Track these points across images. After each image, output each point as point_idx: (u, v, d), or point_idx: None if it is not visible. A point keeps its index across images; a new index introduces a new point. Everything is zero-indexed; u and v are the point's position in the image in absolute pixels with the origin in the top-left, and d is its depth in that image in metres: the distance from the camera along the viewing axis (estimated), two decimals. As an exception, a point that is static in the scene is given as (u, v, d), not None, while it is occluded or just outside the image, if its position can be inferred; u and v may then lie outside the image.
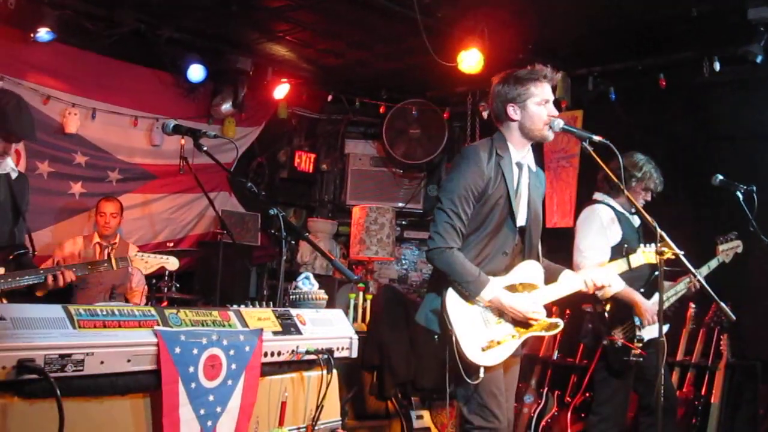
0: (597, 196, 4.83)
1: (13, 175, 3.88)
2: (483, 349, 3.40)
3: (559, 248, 4.81)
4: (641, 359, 4.49)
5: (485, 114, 7.57)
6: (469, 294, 3.42)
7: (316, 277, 3.86)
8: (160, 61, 7.39)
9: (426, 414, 5.99)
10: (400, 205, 8.91)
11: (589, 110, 7.29)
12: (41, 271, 3.74)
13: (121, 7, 6.62)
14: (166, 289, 6.40)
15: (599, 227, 4.66)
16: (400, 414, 5.94)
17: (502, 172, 3.54)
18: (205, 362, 2.59)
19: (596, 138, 3.49)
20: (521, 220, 3.61)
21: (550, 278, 3.68)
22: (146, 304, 5.86)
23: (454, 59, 6.57)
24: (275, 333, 2.98)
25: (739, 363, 5.79)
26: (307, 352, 3.07)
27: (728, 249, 4.79)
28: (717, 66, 6.19)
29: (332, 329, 3.32)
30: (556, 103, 3.68)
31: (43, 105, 6.61)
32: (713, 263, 4.75)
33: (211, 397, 2.60)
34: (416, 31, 6.12)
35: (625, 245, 4.32)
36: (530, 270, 3.62)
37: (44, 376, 2.11)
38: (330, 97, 8.56)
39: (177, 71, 7.47)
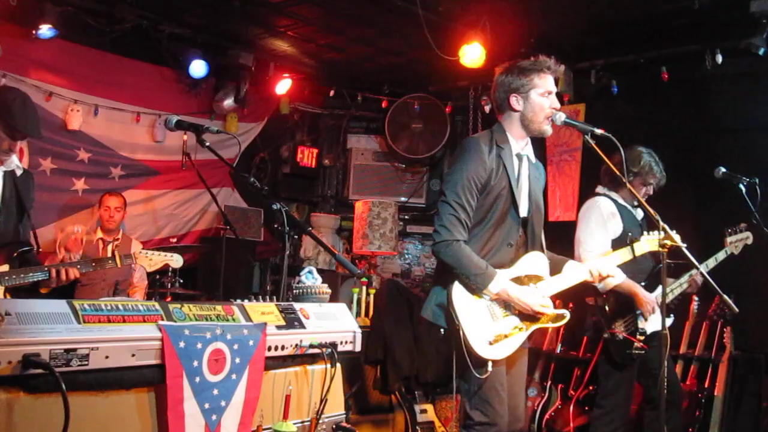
0: (599, 189, 4.85)
1: (18, 172, 3.88)
2: (490, 343, 3.40)
3: (562, 242, 4.82)
4: (643, 352, 4.50)
5: (487, 108, 7.58)
6: (476, 287, 3.41)
7: (319, 271, 3.86)
8: (162, 57, 7.41)
9: (430, 408, 5.99)
10: (403, 199, 8.92)
11: (591, 104, 7.28)
12: (45, 268, 3.75)
13: (123, 3, 6.63)
14: (169, 284, 6.42)
15: (600, 220, 4.67)
16: (403, 408, 5.94)
17: (503, 163, 3.54)
18: (210, 356, 2.59)
19: (598, 131, 3.49)
20: (523, 211, 3.61)
21: (554, 269, 3.68)
22: (149, 300, 5.88)
23: (456, 53, 6.58)
24: (279, 327, 2.99)
25: (743, 355, 5.78)
26: (311, 346, 3.07)
27: (737, 241, 4.78)
28: (719, 59, 6.18)
29: (336, 323, 3.32)
30: (559, 97, 3.68)
31: (45, 102, 6.62)
32: (721, 255, 4.74)
33: (215, 391, 2.60)
34: (418, 26, 6.13)
35: (629, 234, 4.32)
36: (535, 261, 3.62)
37: (50, 371, 2.12)
38: (332, 92, 8.56)
39: (179, 67, 7.49)
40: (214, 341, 2.62)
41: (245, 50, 7.55)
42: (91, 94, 7.02)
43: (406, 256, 9.09)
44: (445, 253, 3.42)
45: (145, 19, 6.87)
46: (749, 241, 4.82)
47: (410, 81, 8.46)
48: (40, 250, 3.97)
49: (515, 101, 3.57)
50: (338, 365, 3.17)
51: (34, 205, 4.07)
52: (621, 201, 4.76)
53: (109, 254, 6.08)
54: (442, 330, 3.49)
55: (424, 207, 8.98)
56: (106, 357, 2.32)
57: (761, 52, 5.74)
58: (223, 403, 2.63)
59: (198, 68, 7.37)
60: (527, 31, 6.51)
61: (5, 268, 3.65)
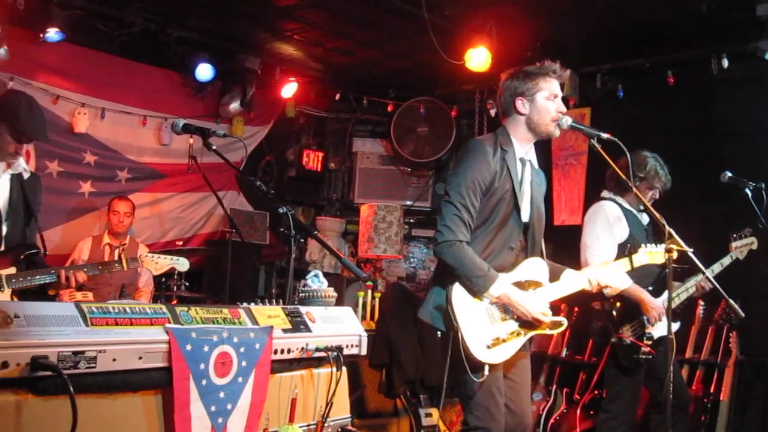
0: (605, 193, 4.85)
1: (26, 176, 3.90)
2: (488, 347, 3.39)
3: (567, 246, 4.83)
4: (650, 357, 4.50)
5: (493, 112, 7.58)
6: (476, 289, 3.40)
7: (325, 275, 3.87)
8: (169, 61, 7.43)
9: (435, 412, 5.99)
10: (408, 203, 8.92)
11: (597, 108, 7.29)
12: (53, 271, 3.76)
13: (131, 7, 6.66)
14: (175, 287, 6.43)
15: (606, 224, 4.67)
16: (408, 412, 5.94)
17: (507, 166, 3.54)
18: (216, 359, 2.60)
19: (604, 135, 3.49)
20: (525, 216, 3.60)
21: (552, 277, 3.67)
22: (155, 303, 5.89)
23: (462, 57, 6.59)
24: (285, 330, 3.00)
25: (749, 360, 5.77)
26: (317, 350, 3.08)
27: (742, 246, 4.77)
28: (725, 63, 6.18)
29: (341, 327, 3.33)
30: (564, 101, 3.69)
31: (52, 105, 6.65)
32: (726, 260, 4.73)
33: (221, 394, 2.61)
34: (424, 30, 6.14)
35: (628, 245, 4.32)
36: (535, 267, 3.62)
37: (58, 373, 2.13)
38: (338, 96, 8.58)
39: (186, 70, 7.52)
40: (220, 344, 2.63)
41: (252, 54, 7.57)
42: (98, 97, 7.05)
43: (412, 260, 9.09)
44: (448, 253, 3.41)
45: (152, 23, 6.90)
46: (754, 246, 4.80)
47: (416, 85, 8.47)
48: (47, 252, 3.97)
49: (521, 105, 3.57)
50: (344, 368, 3.17)
51: (41, 208, 4.08)
52: (627, 205, 4.76)
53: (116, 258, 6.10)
54: (439, 332, 3.49)
55: (429, 210, 8.98)
56: (114, 359, 2.33)
57: (767, 56, 5.74)
58: (229, 406, 2.64)
59: (205, 72, 7.40)
60: (533, 36, 6.52)
61: (12, 270, 3.66)
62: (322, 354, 3.10)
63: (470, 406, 3.48)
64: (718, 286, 3.68)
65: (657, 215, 3.52)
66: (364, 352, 3.38)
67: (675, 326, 4.53)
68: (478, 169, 3.45)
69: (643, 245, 3.95)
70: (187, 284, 6.63)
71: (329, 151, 9.36)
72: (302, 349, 3.03)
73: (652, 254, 3.91)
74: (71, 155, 6.91)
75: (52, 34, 6.36)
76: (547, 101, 3.54)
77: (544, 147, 3.75)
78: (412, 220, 8.97)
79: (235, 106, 7.88)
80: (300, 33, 7.15)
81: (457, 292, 3.41)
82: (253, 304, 3.04)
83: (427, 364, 5.96)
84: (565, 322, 3.55)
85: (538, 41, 6.53)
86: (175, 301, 6.33)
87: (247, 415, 2.71)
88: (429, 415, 5.93)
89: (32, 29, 6.38)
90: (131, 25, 6.83)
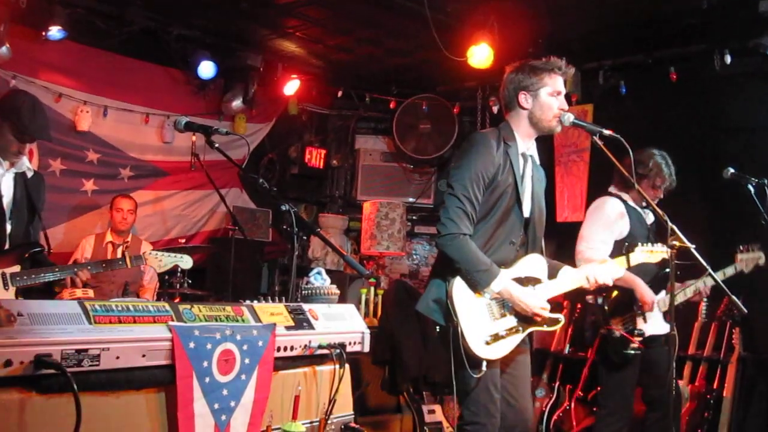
0: (611, 189, 4.85)
1: (29, 174, 3.92)
2: (487, 343, 3.40)
3: (569, 243, 4.83)
4: (639, 352, 4.50)
5: (495, 108, 7.58)
6: (477, 284, 3.39)
7: (327, 272, 3.87)
8: (170, 59, 7.44)
9: (438, 408, 5.99)
10: (411, 200, 8.92)
11: (599, 104, 7.28)
12: (57, 269, 3.77)
13: (132, 5, 6.67)
14: (178, 285, 6.43)
15: (605, 219, 4.70)
16: (411, 408, 5.95)
17: (510, 160, 3.53)
18: (219, 357, 2.60)
19: (607, 132, 3.49)
20: (526, 211, 3.60)
21: (550, 274, 3.67)
22: (158, 300, 5.90)
23: (464, 54, 6.58)
24: (288, 328, 3.00)
25: (752, 356, 5.77)
26: (320, 347, 3.08)
27: (748, 259, 4.72)
28: (728, 59, 6.17)
29: (344, 324, 3.33)
30: (567, 98, 3.69)
31: (55, 103, 6.66)
32: (729, 270, 4.70)
33: (225, 392, 2.62)
34: (426, 27, 6.13)
35: (626, 243, 4.32)
36: (535, 264, 3.62)
37: (61, 371, 2.13)
38: (340, 93, 8.58)
39: (188, 68, 7.53)
40: (223, 342, 2.63)
41: (253, 51, 7.58)
42: (100, 95, 7.06)
43: (414, 257, 9.10)
44: (451, 246, 3.39)
45: (153, 21, 6.91)
46: (761, 262, 4.74)
47: (418, 82, 8.47)
48: (51, 251, 3.98)
49: (524, 99, 3.57)
50: (347, 366, 3.18)
51: (44, 206, 4.10)
52: (631, 203, 4.77)
53: (119, 256, 6.11)
54: (437, 327, 3.49)
55: (432, 207, 8.97)
56: (117, 357, 2.33)
57: (770, 52, 5.74)
58: (232, 404, 2.64)
59: (206, 69, 7.41)
60: (535, 32, 6.51)
61: (17, 268, 3.67)
62: (325, 351, 3.09)
63: (467, 402, 3.48)
64: (721, 282, 3.68)
65: (659, 212, 3.51)
66: (366, 349, 3.38)
67: (667, 327, 4.56)
68: (482, 162, 3.44)
69: (640, 243, 3.95)
70: (190, 282, 6.63)
71: (331, 148, 9.35)
72: (305, 346, 3.03)
73: (649, 252, 3.91)
74: (74, 153, 6.92)
75: (54, 32, 6.37)
76: (551, 97, 3.54)
77: (546, 143, 3.75)
78: (414, 217, 8.97)
79: (237, 103, 7.89)
80: (301, 30, 7.15)
81: (458, 286, 3.41)
82: (255, 301, 3.04)
83: (429, 361, 5.96)
84: (562, 319, 3.57)
85: (540, 37, 6.52)
86: (178, 299, 6.34)
87: (251, 412, 2.71)
88: (432, 411, 5.94)
89: (34, 27, 6.40)
90: (132, 23, 6.84)
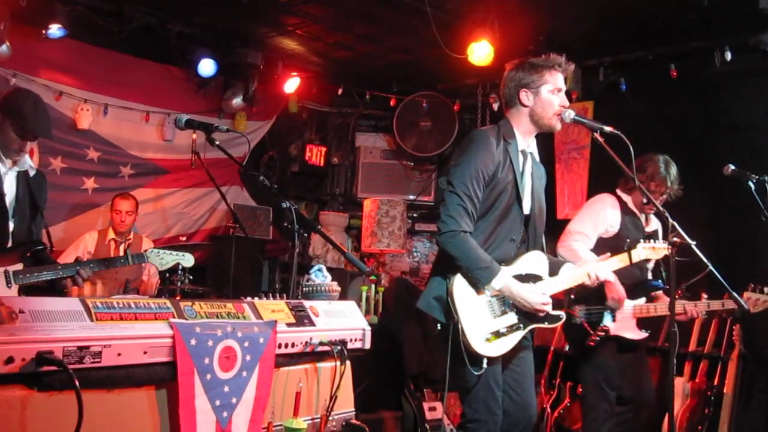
0: (617, 190, 4.86)
1: (31, 173, 3.93)
2: (488, 340, 3.40)
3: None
4: (593, 345, 4.52)
5: (496, 106, 7.58)
6: (478, 281, 3.40)
7: (328, 269, 3.88)
8: (170, 56, 7.44)
9: (438, 405, 6.00)
10: (412, 197, 8.91)
11: (599, 101, 7.27)
12: (59, 267, 3.78)
13: (131, 3, 6.66)
14: (179, 282, 6.43)
15: (593, 213, 4.76)
16: (412, 405, 5.96)
17: (510, 157, 3.54)
18: (221, 354, 2.61)
19: (607, 129, 3.49)
20: (526, 208, 3.61)
21: (551, 271, 3.68)
22: (159, 297, 5.90)
23: (465, 51, 6.58)
24: (289, 325, 3.01)
25: (752, 353, 5.77)
26: (321, 344, 3.09)
27: (754, 299, 4.59)
28: (729, 56, 6.17)
29: (345, 321, 3.33)
30: (567, 95, 3.69)
31: (55, 101, 6.65)
32: (729, 304, 4.67)
33: (226, 388, 2.62)
34: (426, 24, 6.14)
35: (627, 240, 4.33)
36: (536, 261, 3.63)
37: (63, 368, 2.14)
38: (340, 91, 8.57)
39: (188, 66, 7.53)
40: (224, 339, 2.63)
41: (254, 49, 7.57)
42: (100, 93, 7.06)
43: (415, 254, 9.10)
44: (451, 243, 3.40)
45: (153, 19, 6.91)
46: None
47: (418, 79, 8.46)
48: (54, 249, 3.99)
49: (525, 96, 3.57)
50: (348, 362, 3.18)
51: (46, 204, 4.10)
52: (630, 205, 4.78)
53: (121, 253, 6.12)
54: (438, 324, 3.49)
55: (432, 205, 8.97)
56: (119, 354, 2.34)
57: (770, 48, 5.74)
58: (234, 400, 2.65)
59: (207, 67, 7.41)
60: (535, 29, 6.50)
61: (19, 266, 3.68)
62: (326, 348, 3.10)
63: (468, 399, 3.49)
64: (721, 278, 3.67)
65: (659, 207, 3.52)
66: (368, 346, 3.38)
67: (644, 334, 4.59)
68: (481, 160, 3.44)
69: (642, 240, 3.96)
70: (191, 279, 6.63)
71: (332, 145, 9.35)
72: (306, 343, 3.03)
73: (651, 249, 3.92)
74: (74, 151, 6.92)
75: (54, 30, 6.37)
76: (551, 95, 3.55)
77: (546, 140, 3.75)
78: (415, 215, 8.96)
79: (237, 101, 7.89)
80: (301, 28, 7.14)
81: (459, 283, 3.42)
82: (257, 298, 3.05)
83: (430, 358, 5.98)
84: (564, 316, 3.58)
85: (541, 34, 6.52)
86: (178, 296, 6.34)
87: (252, 408, 2.71)
88: (433, 408, 5.95)
89: (34, 25, 6.39)
90: (132, 21, 6.83)
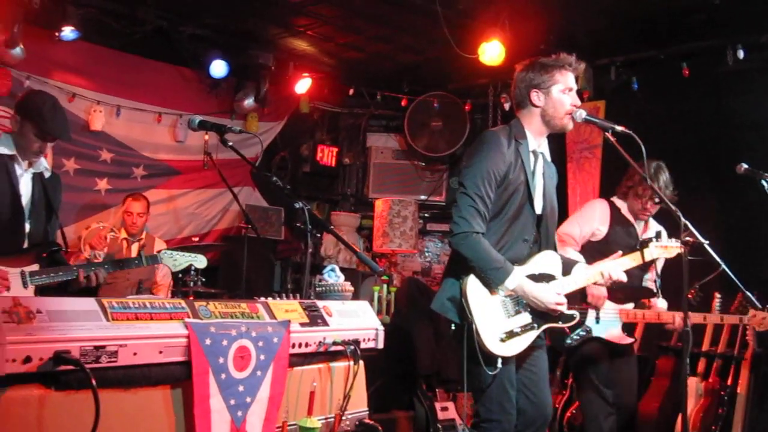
0: (615, 197, 4.88)
1: (47, 174, 3.96)
2: (502, 340, 3.41)
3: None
4: (570, 344, 4.54)
5: (507, 105, 7.59)
6: (491, 281, 3.41)
7: (340, 269, 3.89)
8: (182, 58, 7.47)
9: (451, 405, 6.01)
10: (423, 197, 8.92)
11: (611, 100, 7.26)
12: (74, 268, 3.80)
13: (144, 5, 6.70)
14: (191, 283, 6.46)
15: (581, 215, 4.82)
16: (424, 405, 5.96)
17: (521, 158, 3.54)
18: (235, 353, 2.63)
19: (619, 128, 3.48)
20: (538, 208, 3.61)
21: (564, 271, 3.68)
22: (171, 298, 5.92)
23: (476, 51, 6.58)
24: (302, 324, 3.02)
25: (766, 352, 5.75)
26: (334, 343, 3.10)
27: (760, 317, 4.50)
28: (741, 54, 6.15)
29: (358, 320, 3.35)
30: (578, 94, 3.69)
31: (68, 103, 6.68)
32: (730, 319, 4.70)
33: (240, 388, 2.64)
34: (437, 24, 6.15)
35: (615, 246, 4.33)
36: (549, 260, 3.63)
37: (80, 367, 2.16)
38: (351, 91, 8.58)
39: (199, 67, 7.55)
40: (239, 338, 2.65)
41: (265, 50, 7.60)
42: (113, 95, 7.09)
43: (426, 254, 9.10)
44: (464, 245, 3.40)
45: (165, 21, 6.94)
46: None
47: (429, 79, 8.47)
48: (69, 250, 4.02)
49: (536, 97, 3.57)
50: (361, 362, 3.19)
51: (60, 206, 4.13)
52: (624, 211, 4.79)
53: (134, 253, 6.15)
54: (453, 325, 3.50)
55: (443, 205, 8.98)
56: (134, 354, 2.36)
57: (783, 46, 5.72)
58: (248, 400, 2.66)
59: (218, 68, 7.43)
60: (547, 28, 6.50)
61: (35, 267, 3.71)
62: (340, 348, 3.12)
63: (482, 399, 3.50)
64: (735, 278, 3.66)
65: (672, 206, 3.50)
66: (380, 345, 3.40)
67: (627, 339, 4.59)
68: (493, 161, 3.45)
69: (654, 239, 3.95)
70: (204, 280, 6.65)
71: (343, 146, 9.37)
72: (320, 342, 3.05)
73: (663, 248, 3.91)
74: (87, 153, 6.96)
75: (67, 32, 6.41)
76: (562, 94, 3.54)
77: (558, 140, 3.76)
78: (426, 215, 8.97)
79: (249, 102, 7.92)
80: (312, 28, 7.17)
81: (472, 284, 3.42)
82: (270, 298, 3.06)
83: (442, 358, 5.98)
84: (578, 315, 3.58)
85: (552, 34, 6.52)
86: (191, 297, 6.37)
87: (266, 408, 2.73)
88: (445, 408, 5.95)
89: (47, 28, 6.43)
90: (144, 23, 6.86)
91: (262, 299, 3.01)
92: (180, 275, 6.38)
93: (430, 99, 8.63)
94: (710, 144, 6.34)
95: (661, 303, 4.77)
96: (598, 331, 4.57)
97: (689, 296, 4.29)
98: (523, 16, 6.29)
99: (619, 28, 6.48)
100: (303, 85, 8.18)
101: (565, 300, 3.51)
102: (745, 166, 4.75)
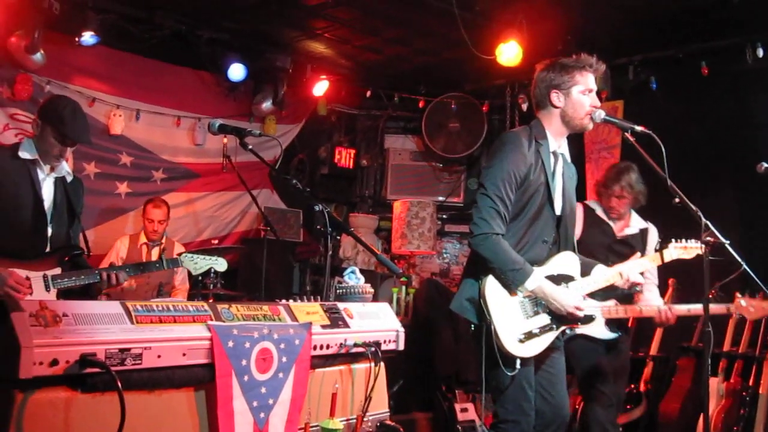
0: (589, 200, 4.96)
1: (69, 179, 3.99)
2: (520, 341, 3.41)
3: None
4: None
5: (525, 106, 7.57)
6: (511, 283, 3.41)
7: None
8: (201, 62, 7.52)
9: (470, 407, 6.00)
10: (441, 199, 8.92)
11: (630, 100, 7.23)
12: (96, 272, 3.84)
13: (162, 10, 6.74)
14: (211, 285, 6.49)
15: None
16: (443, 407, 5.96)
17: (542, 158, 3.54)
18: (257, 355, 2.64)
19: (638, 128, 3.47)
20: (558, 209, 3.61)
21: (583, 272, 3.68)
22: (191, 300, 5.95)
23: (493, 52, 6.58)
24: (324, 326, 3.04)
25: (788, 353, 5.71)
26: (355, 345, 3.11)
27: (750, 304, 4.44)
28: (760, 52, 6.11)
29: (379, 322, 3.36)
30: (597, 94, 3.68)
31: (88, 107, 6.73)
32: (718, 307, 4.64)
33: (263, 390, 2.66)
34: (454, 25, 6.15)
35: (589, 246, 4.34)
36: (568, 261, 3.62)
37: (106, 370, 2.18)
38: (369, 93, 8.59)
39: (218, 71, 7.59)
40: (261, 341, 2.67)
41: (282, 53, 7.63)
42: (132, 99, 7.15)
43: (445, 256, 9.10)
44: (484, 246, 3.41)
45: (183, 25, 6.99)
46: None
47: (447, 80, 8.47)
48: (91, 254, 4.06)
49: (556, 98, 3.57)
50: (382, 364, 3.21)
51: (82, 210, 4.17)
52: (598, 212, 4.89)
53: (154, 257, 6.19)
54: (472, 325, 3.50)
55: (462, 206, 8.97)
56: (159, 356, 2.38)
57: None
58: (270, 401, 2.68)
59: (236, 72, 7.47)
60: (564, 28, 6.48)
61: (58, 271, 3.75)
62: (361, 349, 3.13)
63: (501, 400, 3.50)
64: (756, 278, 3.64)
65: (692, 206, 3.49)
66: (401, 347, 3.41)
67: (613, 335, 4.57)
68: (514, 162, 3.45)
69: (673, 240, 3.94)
70: (223, 282, 6.68)
71: (361, 148, 9.39)
72: (341, 344, 3.07)
73: (683, 249, 3.90)
74: (108, 156, 7.01)
75: (87, 37, 6.46)
76: (582, 95, 3.54)
77: (577, 140, 3.75)
78: (444, 216, 8.97)
79: (267, 105, 7.95)
80: (329, 31, 7.19)
81: (491, 284, 3.43)
82: (291, 300, 3.08)
83: (462, 359, 5.98)
84: (596, 316, 3.57)
85: (569, 34, 6.50)
86: (211, 299, 6.40)
87: (288, 409, 2.75)
88: (465, 410, 5.95)
89: (67, 33, 6.49)
90: (163, 28, 6.92)
91: (284, 301, 3.02)
92: (200, 278, 6.42)
93: (447, 100, 8.63)
94: (730, 143, 6.30)
95: (650, 296, 4.76)
96: (582, 329, 4.58)
97: (710, 296, 4.26)
98: (541, 16, 6.28)
99: (637, 27, 6.46)
100: (320, 87, 8.21)
101: (583, 305, 3.50)
102: (766, 165, 4.71)
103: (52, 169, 3.88)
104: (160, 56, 7.31)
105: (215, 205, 7.93)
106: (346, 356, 3.14)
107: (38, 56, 6.23)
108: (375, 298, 3.86)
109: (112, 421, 2.19)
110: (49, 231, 3.83)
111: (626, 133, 3.51)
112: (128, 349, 2.30)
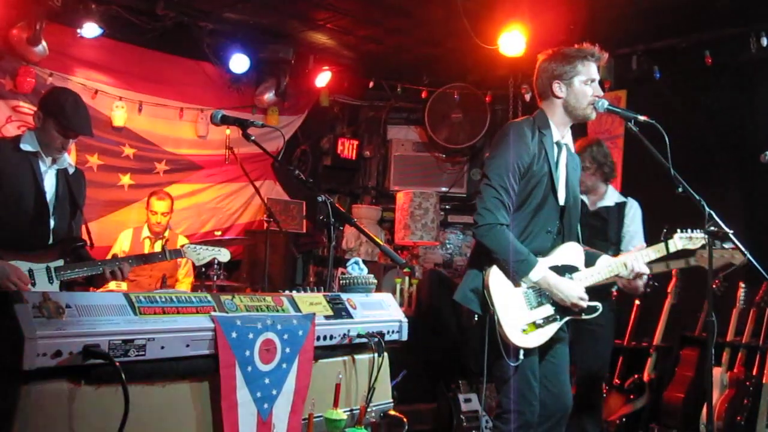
0: None
1: (71, 170, 3.99)
2: (524, 332, 3.41)
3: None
4: None
5: (527, 96, 7.56)
6: (515, 273, 3.41)
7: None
8: (203, 53, 7.50)
9: (474, 397, 6.02)
10: (444, 189, 8.91)
11: (633, 90, 7.21)
12: (98, 263, 3.85)
13: (164, 1, 6.73)
14: (215, 277, 6.50)
15: None
16: (447, 397, 5.98)
17: (545, 149, 3.53)
18: (261, 346, 2.64)
19: (641, 118, 3.46)
20: (561, 200, 3.60)
21: (587, 262, 3.67)
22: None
23: (495, 42, 6.57)
24: (327, 317, 3.04)
25: (792, 342, 5.71)
26: (359, 336, 3.11)
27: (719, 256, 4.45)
28: (764, 41, 6.08)
29: (382, 313, 3.36)
30: (600, 84, 3.67)
31: (91, 99, 6.73)
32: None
33: (266, 380, 2.66)
34: (456, 15, 6.13)
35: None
36: (572, 252, 3.62)
37: (110, 361, 2.18)
38: (371, 84, 8.58)
39: (220, 62, 7.58)
40: (264, 331, 2.67)
41: (285, 44, 7.62)
42: (135, 90, 7.15)
43: (448, 246, 9.10)
44: (488, 236, 3.41)
45: (186, 16, 6.98)
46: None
47: (449, 71, 8.45)
48: (94, 245, 4.06)
49: (558, 88, 3.56)
50: (385, 354, 3.21)
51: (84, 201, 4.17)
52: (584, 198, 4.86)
53: (157, 250, 6.19)
54: (475, 316, 3.50)
55: (465, 197, 8.96)
56: (162, 347, 2.38)
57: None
58: (274, 392, 2.68)
59: (239, 63, 7.46)
60: (567, 18, 6.45)
61: (60, 262, 3.75)
62: (364, 340, 3.13)
63: (505, 390, 3.50)
64: (759, 267, 3.63)
65: (696, 197, 3.48)
66: (405, 337, 3.41)
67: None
68: (517, 152, 3.45)
69: (679, 230, 3.93)
70: (226, 274, 6.69)
71: (364, 139, 9.38)
72: (344, 335, 3.07)
73: (688, 239, 3.89)
74: (110, 148, 7.01)
75: (89, 29, 6.46)
76: (585, 85, 3.53)
77: (580, 130, 3.74)
78: (447, 207, 8.96)
79: (269, 96, 7.94)
80: (331, 22, 7.17)
81: (495, 275, 3.43)
82: (294, 291, 3.08)
83: (465, 350, 5.99)
84: (600, 307, 3.56)
85: (572, 23, 6.47)
86: (214, 291, 6.41)
87: (292, 400, 2.75)
88: (468, 400, 5.97)
89: (69, 25, 6.49)
90: (165, 19, 6.90)
91: (287, 292, 3.02)
92: (203, 269, 6.43)
93: (450, 91, 8.62)
94: (734, 133, 6.28)
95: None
96: None
97: (714, 286, 4.25)
98: (543, 6, 6.26)
99: (640, 16, 6.43)
100: (323, 78, 8.20)
101: (586, 296, 3.50)
102: (769, 154, 4.72)
103: (54, 161, 3.88)
104: (163, 48, 7.30)
105: (218, 196, 7.93)
106: (350, 347, 3.13)
107: (40, 48, 6.22)
108: (378, 289, 3.87)
109: (116, 413, 2.19)
110: (52, 223, 3.84)
111: (629, 123, 3.51)
112: (132, 340, 2.29)
